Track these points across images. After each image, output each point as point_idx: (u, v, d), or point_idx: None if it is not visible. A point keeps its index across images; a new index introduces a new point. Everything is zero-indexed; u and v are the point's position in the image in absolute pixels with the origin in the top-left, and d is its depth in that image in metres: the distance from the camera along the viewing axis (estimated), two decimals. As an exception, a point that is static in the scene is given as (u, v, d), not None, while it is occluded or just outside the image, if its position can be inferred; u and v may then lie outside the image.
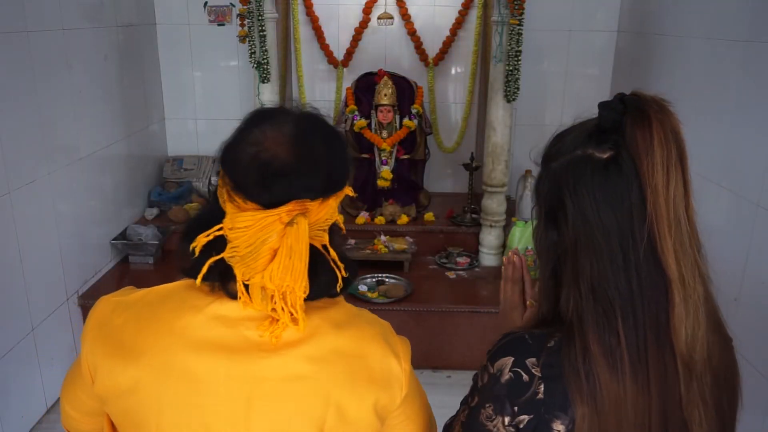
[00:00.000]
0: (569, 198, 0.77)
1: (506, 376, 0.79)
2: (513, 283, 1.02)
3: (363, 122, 3.45)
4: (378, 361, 0.87)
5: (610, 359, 0.76)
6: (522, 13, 2.81)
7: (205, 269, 0.80)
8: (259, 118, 0.84)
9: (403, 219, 3.37)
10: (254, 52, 2.93)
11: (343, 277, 0.86)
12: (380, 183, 3.44)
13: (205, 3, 3.65)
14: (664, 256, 0.74)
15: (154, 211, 3.48)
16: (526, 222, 3.08)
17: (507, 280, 1.03)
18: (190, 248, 0.81)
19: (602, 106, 0.79)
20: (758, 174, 2.08)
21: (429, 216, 3.45)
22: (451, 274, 3.13)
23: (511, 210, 3.38)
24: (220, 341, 0.81)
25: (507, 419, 0.79)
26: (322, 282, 0.84)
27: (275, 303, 0.79)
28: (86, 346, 0.88)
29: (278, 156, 0.79)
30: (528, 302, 1.01)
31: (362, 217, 3.37)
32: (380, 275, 3.05)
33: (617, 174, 0.75)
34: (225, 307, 0.83)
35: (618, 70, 3.62)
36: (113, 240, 3.15)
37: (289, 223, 0.77)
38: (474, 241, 3.33)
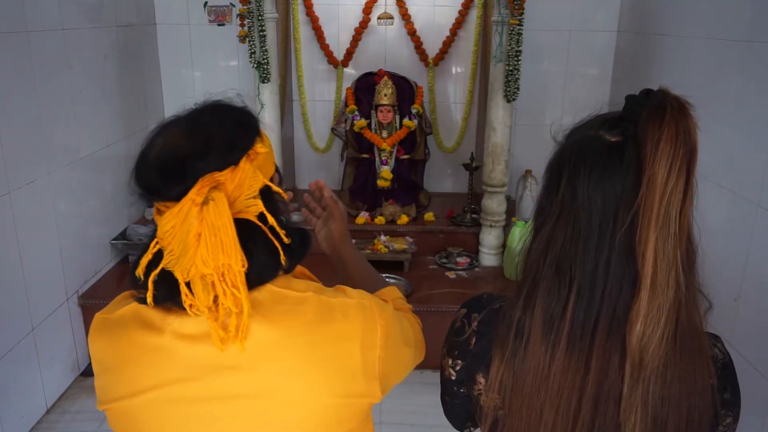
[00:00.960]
0: (566, 170, 0.78)
1: (457, 323, 0.92)
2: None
3: (363, 122, 3.45)
4: (351, 358, 0.84)
5: (547, 328, 0.78)
6: (522, 13, 2.81)
7: (151, 288, 0.77)
8: (155, 128, 0.84)
9: (403, 219, 3.37)
10: (254, 52, 2.93)
11: (292, 248, 0.82)
12: (380, 183, 3.44)
13: (205, 3, 3.65)
14: (642, 248, 0.73)
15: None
16: (526, 222, 3.08)
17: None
18: (135, 274, 0.79)
19: (628, 97, 0.79)
20: (758, 174, 2.08)
21: (429, 216, 3.45)
22: (451, 274, 3.13)
23: (511, 210, 3.38)
24: (189, 361, 0.80)
25: (450, 361, 0.91)
26: (261, 255, 0.80)
27: (215, 288, 0.76)
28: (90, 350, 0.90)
29: (169, 145, 0.79)
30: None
31: (362, 217, 3.37)
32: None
33: (618, 159, 0.75)
34: (185, 324, 0.80)
35: (618, 70, 3.62)
36: (113, 240, 3.15)
37: (204, 202, 0.75)
38: (474, 241, 3.33)
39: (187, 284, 0.77)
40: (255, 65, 2.96)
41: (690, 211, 0.74)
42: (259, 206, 0.80)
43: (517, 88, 2.93)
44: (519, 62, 2.88)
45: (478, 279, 3.10)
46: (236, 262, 0.75)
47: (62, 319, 2.69)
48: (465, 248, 3.34)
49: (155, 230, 0.80)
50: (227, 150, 0.79)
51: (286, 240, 0.81)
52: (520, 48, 2.85)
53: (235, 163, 0.79)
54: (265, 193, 0.82)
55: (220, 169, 0.77)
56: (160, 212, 0.79)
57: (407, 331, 0.99)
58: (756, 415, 2.04)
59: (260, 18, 2.87)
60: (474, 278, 3.10)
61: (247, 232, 0.78)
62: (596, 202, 0.75)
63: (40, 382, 2.54)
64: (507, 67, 2.90)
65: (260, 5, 2.85)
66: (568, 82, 3.74)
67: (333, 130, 3.67)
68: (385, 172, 3.44)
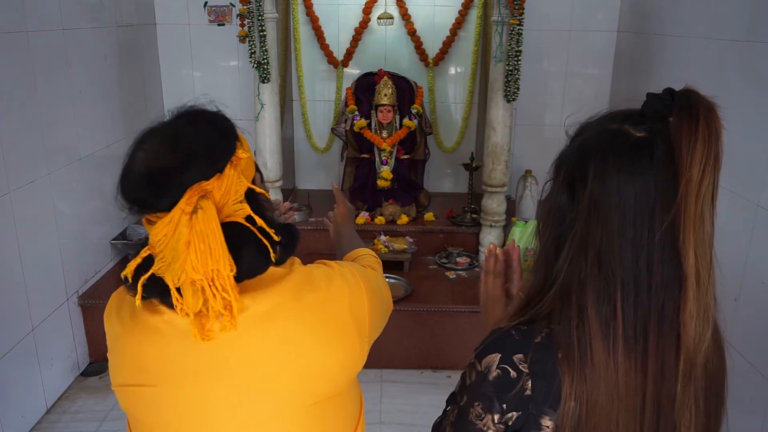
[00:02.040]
0: (592, 164, 0.76)
1: (494, 373, 0.79)
2: (494, 276, 1.02)
3: (363, 122, 3.45)
4: (341, 318, 0.91)
5: (605, 329, 0.76)
6: (522, 13, 2.81)
7: (140, 290, 0.81)
8: (135, 142, 0.87)
9: (403, 219, 3.37)
10: (254, 52, 2.93)
11: (281, 244, 0.87)
12: (380, 183, 3.44)
13: (205, 3, 3.65)
14: (685, 250, 0.74)
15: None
16: (526, 222, 3.08)
17: (488, 272, 1.03)
18: (122, 276, 0.83)
19: (650, 95, 0.78)
20: (758, 174, 2.08)
21: (429, 216, 3.45)
22: (451, 274, 3.13)
23: (511, 210, 3.38)
24: (186, 341, 0.84)
25: (496, 417, 0.79)
26: (250, 255, 0.83)
27: (205, 292, 0.79)
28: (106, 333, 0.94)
29: (153, 158, 0.82)
30: (515, 292, 1.00)
31: (362, 217, 3.38)
32: (380, 275, 3.05)
33: (648, 154, 0.75)
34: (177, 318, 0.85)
35: (618, 70, 3.62)
36: (113, 240, 3.15)
37: (194, 211, 0.78)
38: (474, 241, 3.33)
39: (178, 289, 0.80)
40: (255, 65, 2.96)
41: (716, 208, 0.76)
42: (246, 209, 0.83)
43: (517, 88, 2.93)
44: (519, 62, 2.88)
45: (478, 279, 3.09)
46: (225, 266, 0.79)
47: (62, 319, 2.70)
48: (465, 248, 3.34)
49: (147, 237, 0.83)
50: (211, 159, 0.82)
51: (276, 238, 0.85)
52: (520, 48, 2.85)
53: (221, 170, 0.82)
54: (250, 195, 0.86)
55: (207, 178, 0.81)
56: (150, 222, 0.82)
57: (383, 288, 1.07)
58: (756, 415, 2.04)
59: (260, 18, 2.87)
60: (474, 278, 3.10)
61: (236, 234, 0.81)
62: (628, 199, 0.75)
63: (40, 382, 2.54)
64: (507, 67, 2.90)
65: (260, 5, 2.85)
66: (568, 82, 3.75)
67: (333, 130, 3.67)
68: (385, 172, 3.44)
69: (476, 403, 0.81)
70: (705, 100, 0.75)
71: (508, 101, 2.96)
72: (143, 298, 0.82)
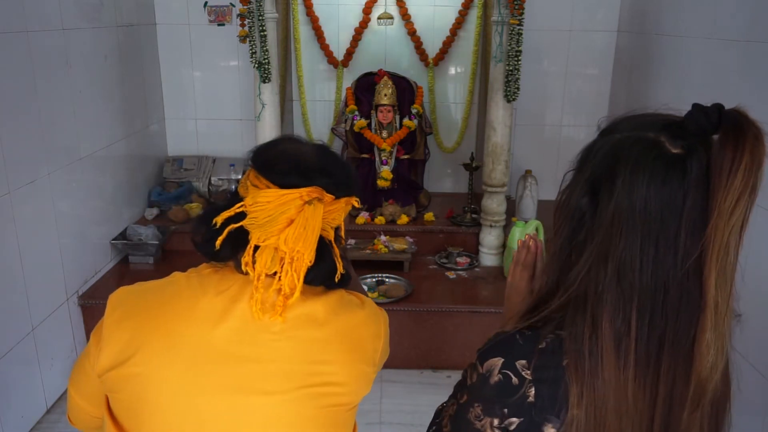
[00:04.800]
0: (622, 174, 0.73)
1: (495, 377, 0.78)
2: (523, 267, 0.99)
3: (363, 122, 3.45)
4: (363, 344, 0.99)
5: (617, 344, 0.74)
6: (522, 13, 2.81)
7: (225, 233, 0.91)
8: (287, 136, 1.02)
9: (403, 219, 3.37)
10: (254, 52, 2.93)
11: (341, 274, 0.98)
12: (380, 183, 3.44)
13: (205, 3, 3.65)
14: (706, 279, 0.72)
15: (154, 211, 3.48)
16: (526, 222, 3.08)
17: (518, 263, 1.00)
18: (213, 221, 0.92)
19: (697, 108, 0.74)
20: (758, 174, 2.08)
21: (429, 216, 3.45)
22: (451, 274, 3.13)
23: (511, 210, 3.38)
24: (226, 320, 0.91)
25: (496, 421, 0.78)
26: (326, 266, 0.95)
27: (283, 264, 0.90)
28: (106, 317, 0.95)
29: (306, 153, 0.97)
30: (536, 287, 0.97)
31: (362, 217, 3.37)
32: (380, 275, 3.05)
33: (680, 174, 0.72)
34: (242, 295, 0.92)
35: (618, 70, 3.62)
36: (113, 240, 3.15)
37: (308, 202, 0.90)
38: (474, 241, 3.33)
39: (256, 248, 0.91)
40: (255, 65, 2.95)
41: (743, 240, 0.73)
42: (331, 236, 0.98)
43: (517, 88, 2.93)
44: (519, 62, 2.88)
45: (478, 279, 3.10)
46: (309, 254, 0.90)
47: (62, 319, 2.69)
48: (465, 248, 3.34)
49: (236, 192, 0.96)
50: (341, 184, 0.97)
51: (341, 269, 0.98)
52: (520, 48, 2.85)
53: (338, 196, 0.96)
54: (336, 231, 1.00)
55: (329, 192, 0.94)
56: (255, 186, 0.92)
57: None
58: (756, 414, 2.04)
59: (260, 18, 2.87)
60: (474, 278, 3.10)
61: (323, 245, 0.95)
62: (654, 217, 0.72)
63: (40, 382, 2.54)
64: (507, 67, 2.90)
65: (260, 5, 2.85)
66: (568, 82, 3.75)
67: (333, 130, 3.67)
68: (385, 172, 3.44)
69: (476, 404, 0.80)
70: (755, 126, 0.71)
71: (508, 101, 2.96)
72: (215, 255, 0.94)
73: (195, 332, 0.90)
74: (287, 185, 0.91)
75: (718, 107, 0.73)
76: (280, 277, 0.90)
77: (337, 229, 0.99)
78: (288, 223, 0.89)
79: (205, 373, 0.88)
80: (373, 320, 1.01)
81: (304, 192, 0.90)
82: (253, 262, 0.91)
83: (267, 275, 0.91)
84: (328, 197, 0.94)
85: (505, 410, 0.77)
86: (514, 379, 0.76)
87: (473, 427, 0.80)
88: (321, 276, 0.95)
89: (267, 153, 0.97)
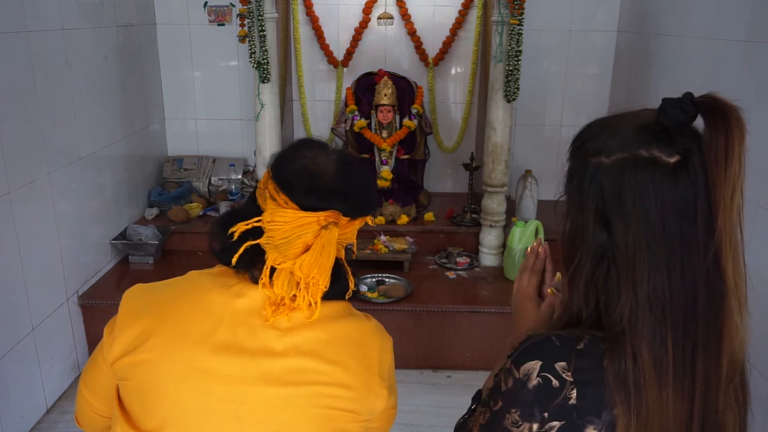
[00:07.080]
0: (631, 202, 0.73)
1: (534, 381, 0.75)
2: (531, 273, 0.98)
3: (363, 122, 3.45)
4: (370, 357, 0.99)
5: (658, 369, 0.73)
6: (522, 13, 2.81)
7: (241, 250, 0.92)
8: (308, 142, 1.00)
9: (403, 219, 3.37)
10: (254, 52, 2.93)
11: (353, 290, 1.02)
12: (380, 183, 3.44)
13: (205, 3, 3.65)
14: (724, 267, 0.73)
15: (154, 211, 3.48)
16: (526, 222, 3.08)
17: (525, 269, 0.99)
18: (229, 232, 0.93)
19: (668, 103, 0.73)
20: (758, 174, 2.08)
21: (429, 216, 3.45)
22: (451, 274, 3.13)
23: (511, 210, 3.38)
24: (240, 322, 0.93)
25: (536, 426, 0.75)
26: (339, 288, 0.99)
27: (299, 290, 0.92)
28: (120, 309, 0.98)
29: (326, 172, 0.95)
30: (549, 290, 0.97)
31: (362, 217, 3.37)
32: (380, 275, 3.05)
33: (687, 182, 0.72)
34: (247, 290, 0.95)
35: (618, 70, 3.62)
36: (113, 240, 3.15)
37: (324, 227, 0.92)
38: (474, 241, 3.33)
39: (272, 268, 0.92)
40: (255, 65, 2.95)
41: (743, 219, 0.74)
42: (342, 254, 1.00)
43: (517, 88, 2.93)
44: (519, 62, 2.88)
45: (478, 279, 3.10)
46: (324, 281, 0.92)
47: (62, 319, 2.69)
48: (465, 248, 3.34)
49: (254, 197, 0.97)
50: (359, 210, 0.98)
51: (352, 284, 1.01)
52: (520, 48, 2.85)
53: (355, 218, 0.97)
54: (346, 248, 1.02)
55: (345, 215, 0.95)
56: (275, 201, 0.93)
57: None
58: (757, 415, 2.04)
59: (260, 18, 2.87)
60: (474, 278, 3.10)
61: (338, 265, 0.97)
62: (674, 230, 0.72)
63: (40, 382, 2.53)
64: (507, 67, 2.90)
65: (260, 5, 2.85)
66: (568, 82, 3.75)
67: (333, 130, 3.67)
68: (385, 172, 3.44)
69: (513, 410, 0.77)
70: (733, 108, 0.71)
71: (508, 101, 2.96)
72: (235, 264, 0.94)
73: (204, 322, 0.92)
74: (305, 207, 0.92)
75: (688, 96, 0.73)
76: (296, 300, 0.94)
77: (348, 246, 1.02)
78: (304, 248, 0.91)
79: (211, 361, 0.90)
80: (380, 332, 1.03)
81: (322, 217, 0.92)
82: (271, 284, 0.93)
83: (283, 299, 0.94)
84: (344, 220, 0.95)
85: (546, 414, 0.75)
86: (555, 382, 0.74)
87: None
88: (334, 296, 0.98)
89: (287, 168, 0.96)
